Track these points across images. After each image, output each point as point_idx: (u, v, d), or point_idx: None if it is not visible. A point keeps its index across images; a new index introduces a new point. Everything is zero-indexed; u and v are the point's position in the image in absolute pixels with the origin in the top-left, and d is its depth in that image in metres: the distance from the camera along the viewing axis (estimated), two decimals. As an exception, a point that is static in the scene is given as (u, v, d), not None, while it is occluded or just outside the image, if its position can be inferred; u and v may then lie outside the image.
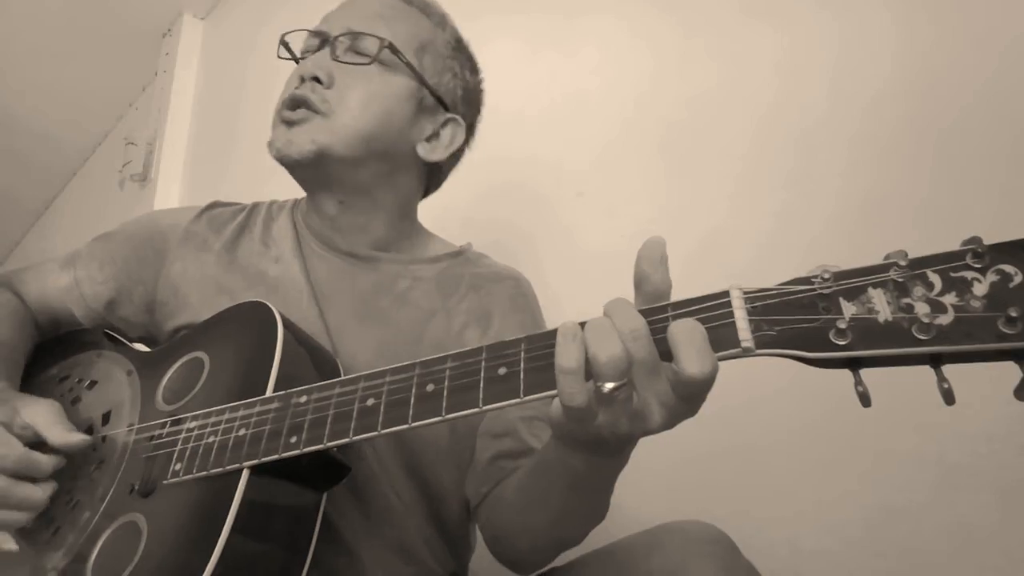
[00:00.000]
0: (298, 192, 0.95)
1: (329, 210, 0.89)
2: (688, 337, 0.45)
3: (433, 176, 0.97)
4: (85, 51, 2.59)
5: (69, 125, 2.93)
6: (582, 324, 0.50)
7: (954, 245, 0.88)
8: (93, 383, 0.80)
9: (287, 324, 0.71)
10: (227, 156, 2.22)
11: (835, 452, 0.90)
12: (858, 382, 0.45)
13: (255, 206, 0.97)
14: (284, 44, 0.93)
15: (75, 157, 3.14)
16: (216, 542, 0.57)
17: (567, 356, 0.48)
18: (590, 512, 0.65)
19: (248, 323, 0.73)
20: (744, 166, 1.09)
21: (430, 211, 1.01)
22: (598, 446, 0.54)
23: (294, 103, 0.84)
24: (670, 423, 0.49)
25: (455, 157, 0.96)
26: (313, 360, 0.73)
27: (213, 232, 0.91)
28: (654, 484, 0.96)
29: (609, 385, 0.47)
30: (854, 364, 0.45)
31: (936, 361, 0.44)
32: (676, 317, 0.48)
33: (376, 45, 0.85)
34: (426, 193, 0.99)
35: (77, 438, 0.69)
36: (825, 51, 1.04)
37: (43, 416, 0.69)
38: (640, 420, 0.49)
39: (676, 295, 1.09)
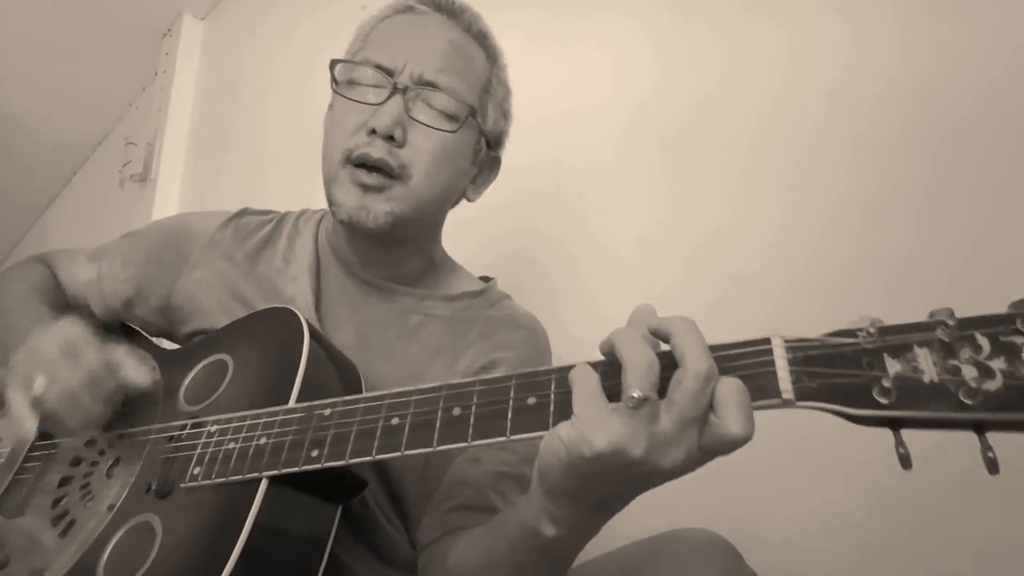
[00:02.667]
0: (303, 195, 0.94)
1: (364, 248, 0.87)
2: (738, 398, 0.45)
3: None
4: (85, 51, 2.58)
5: (69, 125, 2.93)
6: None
7: (957, 249, 0.87)
8: (115, 377, 0.80)
9: (314, 333, 0.71)
10: (227, 156, 2.25)
11: (835, 456, 0.89)
12: (899, 443, 0.44)
13: (283, 217, 0.97)
14: (335, 77, 0.85)
15: (75, 157, 3.15)
16: (232, 551, 0.56)
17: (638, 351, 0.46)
18: None
19: (274, 329, 0.73)
20: (747, 167, 1.09)
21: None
22: (590, 487, 0.49)
23: (371, 165, 0.79)
24: (679, 471, 0.48)
25: None
26: (338, 370, 0.72)
27: (237, 242, 0.91)
28: (656, 491, 0.94)
29: (636, 392, 0.45)
30: (895, 424, 0.44)
31: (981, 428, 0.43)
32: (717, 362, 0.47)
33: (452, 105, 0.81)
34: None
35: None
36: (828, 52, 1.04)
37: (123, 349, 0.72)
38: (659, 450, 0.46)
39: (679, 301, 1.09)
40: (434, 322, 0.87)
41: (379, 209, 0.79)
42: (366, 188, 0.79)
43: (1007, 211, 0.84)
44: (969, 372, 0.43)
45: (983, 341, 0.44)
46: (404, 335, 0.85)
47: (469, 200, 0.91)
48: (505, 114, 0.91)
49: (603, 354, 0.50)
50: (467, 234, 1.05)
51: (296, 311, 0.73)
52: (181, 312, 0.89)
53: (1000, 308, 0.45)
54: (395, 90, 0.80)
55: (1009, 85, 0.86)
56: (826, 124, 1.01)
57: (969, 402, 0.42)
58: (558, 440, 0.47)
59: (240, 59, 2.33)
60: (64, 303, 0.89)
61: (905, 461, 0.44)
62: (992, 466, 0.41)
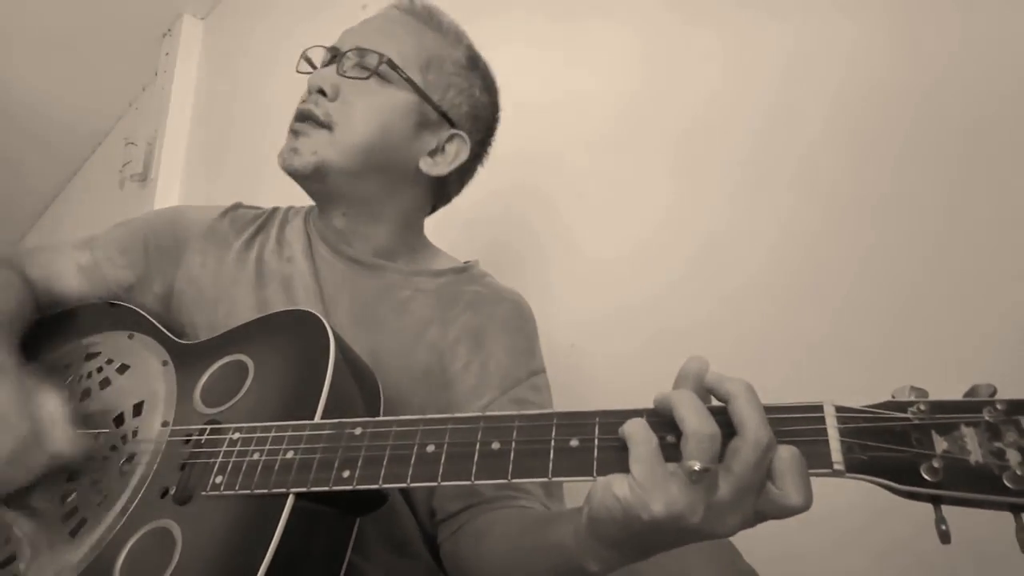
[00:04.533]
0: (302, 194, 0.95)
1: (335, 220, 0.92)
2: (797, 468, 0.46)
3: (440, 191, 0.99)
4: (85, 51, 2.59)
5: (69, 125, 2.92)
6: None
7: (963, 251, 0.88)
8: (125, 367, 0.78)
9: (339, 341, 0.70)
10: (227, 156, 2.24)
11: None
12: (940, 519, 0.45)
13: (274, 210, 1.01)
14: (306, 59, 0.95)
15: (75, 157, 3.14)
16: (259, 567, 0.56)
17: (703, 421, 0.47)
18: None
19: (298, 334, 0.72)
20: (748, 168, 1.10)
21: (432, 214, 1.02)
22: (642, 542, 0.51)
23: (301, 116, 0.88)
24: (732, 533, 0.49)
25: (462, 172, 0.97)
26: (359, 381, 0.72)
27: (234, 232, 0.95)
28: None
29: (697, 465, 0.45)
30: (937, 500, 0.46)
31: (1018, 510, 0.45)
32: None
33: (374, 59, 0.88)
34: (433, 208, 1.01)
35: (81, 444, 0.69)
36: (831, 52, 1.04)
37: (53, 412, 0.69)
38: (716, 516, 0.47)
39: (680, 302, 1.10)
40: (423, 295, 0.90)
41: (305, 152, 0.86)
42: (296, 135, 0.87)
43: (1012, 212, 0.85)
44: (1014, 457, 0.44)
45: (1027, 425, 0.45)
46: (395, 309, 0.88)
47: (428, 173, 0.91)
48: (462, 91, 0.93)
49: (656, 407, 0.50)
50: (468, 236, 1.05)
51: (321, 317, 0.72)
52: (183, 299, 0.90)
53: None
54: (333, 57, 0.90)
55: (1012, 86, 0.87)
56: (828, 125, 1.02)
57: (1012, 487, 0.44)
58: (614, 499, 0.48)
59: (240, 59, 2.32)
60: (19, 302, 0.83)
61: (945, 537, 0.45)
62: (1026, 548, 0.43)
